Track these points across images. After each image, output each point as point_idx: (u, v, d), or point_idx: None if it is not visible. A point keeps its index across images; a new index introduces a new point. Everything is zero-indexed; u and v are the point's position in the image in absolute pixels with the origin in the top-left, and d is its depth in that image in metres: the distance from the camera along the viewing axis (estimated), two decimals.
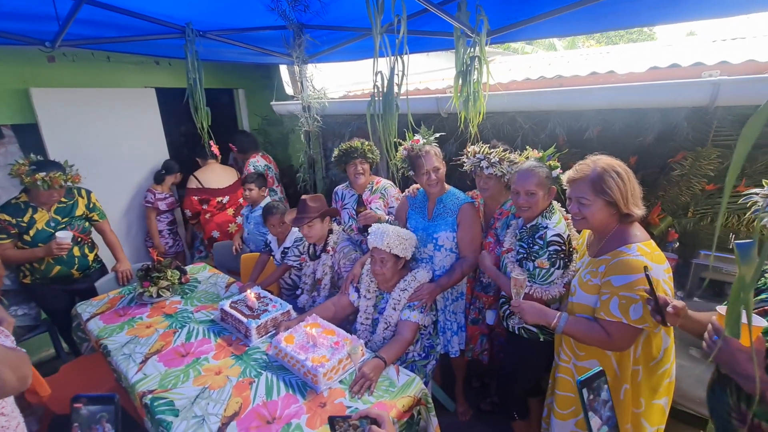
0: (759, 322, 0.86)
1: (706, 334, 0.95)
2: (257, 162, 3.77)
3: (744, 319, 0.83)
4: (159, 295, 2.35)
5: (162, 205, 3.63)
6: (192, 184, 3.58)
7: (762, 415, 0.94)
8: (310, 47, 3.00)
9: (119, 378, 1.85)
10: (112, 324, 2.15)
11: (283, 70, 3.99)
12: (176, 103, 2.84)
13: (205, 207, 3.61)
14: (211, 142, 3.52)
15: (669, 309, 1.14)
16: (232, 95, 4.65)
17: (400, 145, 2.12)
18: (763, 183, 1.09)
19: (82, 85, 3.34)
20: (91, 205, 2.64)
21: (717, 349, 0.88)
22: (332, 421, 1.09)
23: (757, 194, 1.07)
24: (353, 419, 1.07)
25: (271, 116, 4.52)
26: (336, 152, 2.51)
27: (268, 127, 4.69)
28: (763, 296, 1.05)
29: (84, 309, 2.32)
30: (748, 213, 1.07)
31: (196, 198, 3.57)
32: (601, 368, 0.81)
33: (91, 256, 2.66)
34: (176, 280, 2.45)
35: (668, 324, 1.16)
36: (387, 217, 2.40)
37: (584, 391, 0.75)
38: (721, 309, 0.93)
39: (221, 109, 4.76)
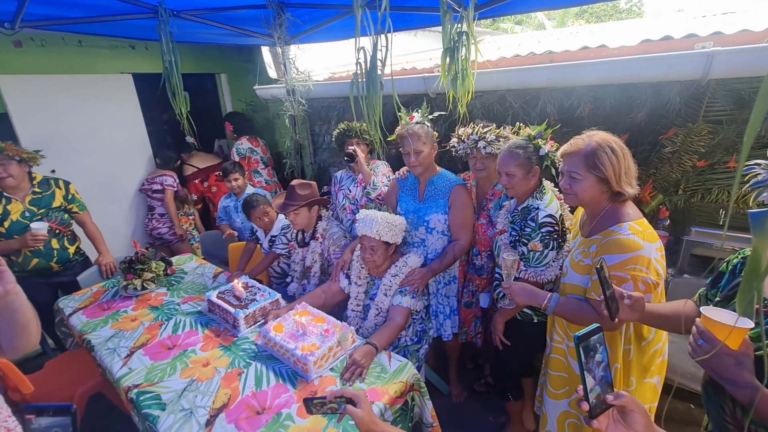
0: (745, 323, 0.80)
1: (691, 338, 0.89)
2: (240, 145, 3.69)
3: (730, 321, 0.80)
4: (144, 288, 2.29)
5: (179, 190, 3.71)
6: (188, 171, 3.84)
7: (758, 422, 0.91)
8: (291, 27, 2.89)
9: (104, 373, 1.81)
10: (95, 318, 2.09)
11: (266, 52, 3.85)
12: (156, 90, 2.73)
13: (206, 184, 3.90)
14: (191, 137, 3.74)
15: (626, 302, 1.09)
16: (215, 81, 4.50)
17: (399, 122, 2.07)
18: None
19: (54, 71, 3.18)
20: (70, 197, 2.56)
21: (704, 353, 0.83)
22: (308, 402, 1.08)
23: (759, 165, 1.01)
24: (329, 399, 1.05)
25: (255, 101, 4.39)
26: (336, 132, 2.54)
27: (253, 113, 4.56)
28: None
29: (66, 304, 2.25)
30: (745, 186, 1.02)
31: (197, 180, 3.84)
32: (598, 325, 0.78)
33: (71, 249, 2.58)
34: (161, 272, 2.39)
35: (615, 319, 1.11)
36: (373, 177, 2.42)
37: (581, 349, 0.74)
38: (706, 311, 0.86)
39: (205, 95, 4.62)
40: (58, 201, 2.49)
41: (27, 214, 2.36)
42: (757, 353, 0.88)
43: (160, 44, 2.25)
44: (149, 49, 3.68)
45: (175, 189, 3.61)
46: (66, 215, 2.55)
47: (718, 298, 1.09)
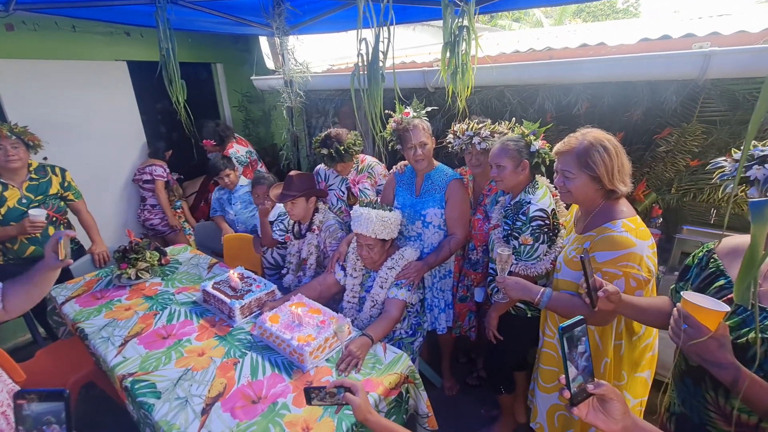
0: (724, 307, 0.82)
1: (672, 322, 0.90)
2: (237, 153, 3.52)
3: (709, 305, 0.82)
4: (138, 277, 2.27)
5: (169, 180, 3.63)
6: (191, 202, 4.07)
7: (741, 408, 0.92)
8: (290, 17, 2.86)
9: (98, 362, 1.80)
10: (89, 307, 2.07)
11: (264, 42, 3.81)
12: (151, 78, 2.68)
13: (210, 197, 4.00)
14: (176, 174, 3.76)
15: (600, 293, 1.12)
16: (211, 71, 4.44)
17: (390, 117, 2.06)
18: (732, 151, 1.08)
19: (47, 56, 3.12)
20: (66, 184, 2.54)
21: (688, 338, 0.84)
22: (308, 391, 1.10)
23: (726, 160, 1.06)
24: (328, 388, 1.07)
25: (252, 92, 4.35)
26: (316, 148, 2.37)
27: (249, 104, 4.52)
28: (722, 282, 1.01)
29: (59, 292, 2.23)
30: (715, 178, 1.06)
31: (202, 203, 3.99)
32: (582, 317, 0.80)
33: None
34: (155, 262, 2.37)
35: (596, 308, 1.14)
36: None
37: (564, 339, 0.76)
38: (687, 295, 0.87)
39: (200, 86, 4.55)
40: (54, 188, 2.47)
41: (24, 200, 2.33)
42: (739, 341, 0.90)
43: (157, 31, 2.21)
44: (144, 37, 3.61)
45: (165, 179, 3.54)
46: (62, 203, 2.52)
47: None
